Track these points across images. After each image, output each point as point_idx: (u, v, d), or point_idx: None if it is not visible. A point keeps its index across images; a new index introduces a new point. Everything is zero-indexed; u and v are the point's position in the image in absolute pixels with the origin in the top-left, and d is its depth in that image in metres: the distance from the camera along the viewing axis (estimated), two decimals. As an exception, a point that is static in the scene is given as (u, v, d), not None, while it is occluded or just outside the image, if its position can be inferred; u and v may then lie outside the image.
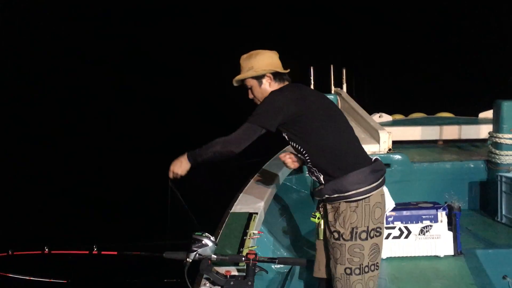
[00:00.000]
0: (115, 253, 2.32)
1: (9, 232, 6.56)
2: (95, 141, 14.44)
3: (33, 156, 12.60)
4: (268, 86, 2.60)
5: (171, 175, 2.62)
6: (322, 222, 2.62)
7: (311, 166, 2.56)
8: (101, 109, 17.81)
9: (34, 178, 10.59)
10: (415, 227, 3.43)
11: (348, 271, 2.46)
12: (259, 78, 2.60)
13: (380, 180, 2.51)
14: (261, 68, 2.58)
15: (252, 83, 2.61)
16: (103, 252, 2.32)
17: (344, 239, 2.46)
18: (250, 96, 2.67)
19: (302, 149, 2.53)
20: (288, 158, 2.80)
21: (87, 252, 2.34)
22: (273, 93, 2.55)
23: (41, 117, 16.72)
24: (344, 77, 6.95)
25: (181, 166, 2.60)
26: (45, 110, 17.39)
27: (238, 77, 2.63)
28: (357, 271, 2.46)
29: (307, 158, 2.54)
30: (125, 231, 6.72)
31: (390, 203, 2.65)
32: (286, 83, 2.64)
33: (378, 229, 2.51)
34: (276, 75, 2.61)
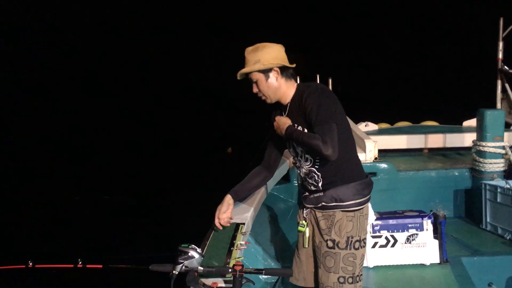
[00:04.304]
0: (100, 266, 2.28)
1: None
2: (82, 154, 14.32)
3: (18, 168, 12.44)
4: (275, 80, 2.49)
5: (275, 127, 2.50)
6: (307, 230, 2.62)
7: (315, 170, 2.50)
8: (84, 125, 17.69)
9: (18, 191, 10.44)
10: (401, 236, 3.45)
11: (341, 279, 2.47)
12: (266, 72, 2.48)
13: (370, 194, 2.58)
14: (269, 62, 2.46)
15: (258, 76, 2.49)
16: (88, 266, 2.27)
17: (339, 248, 2.47)
18: (255, 90, 2.54)
19: None
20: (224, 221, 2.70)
21: (72, 265, 2.29)
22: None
23: (26, 128, 16.54)
24: (330, 86, 7.00)
25: (284, 123, 2.47)
26: (30, 120, 17.22)
27: (244, 70, 2.49)
28: (350, 280, 2.47)
29: (317, 160, 2.48)
30: (110, 243, 6.65)
31: (372, 216, 2.70)
32: (293, 79, 2.55)
33: (365, 240, 2.57)
34: (284, 70, 2.50)
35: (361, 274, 2.53)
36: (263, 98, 2.57)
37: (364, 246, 2.55)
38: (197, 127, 15.64)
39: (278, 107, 2.66)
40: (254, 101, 2.62)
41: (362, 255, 2.54)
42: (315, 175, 2.51)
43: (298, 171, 2.65)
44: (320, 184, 2.51)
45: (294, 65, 2.55)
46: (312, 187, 2.56)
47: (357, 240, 2.49)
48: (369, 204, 2.62)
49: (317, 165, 2.49)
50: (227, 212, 2.72)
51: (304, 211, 2.64)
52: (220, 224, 2.69)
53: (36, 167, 12.50)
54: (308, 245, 2.64)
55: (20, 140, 15.35)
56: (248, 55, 2.50)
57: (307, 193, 2.62)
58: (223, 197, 2.77)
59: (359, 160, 2.63)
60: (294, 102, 2.53)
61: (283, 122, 2.52)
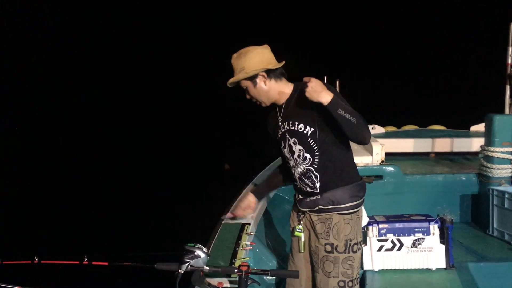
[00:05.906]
0: (106, 263, 2.29)
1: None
2: (87, 150, 14.39)
3: (24, 164, 12.50)
4: (264, 84, 2.45)
5: (314, 89, 2.26)
6: (303, 234, 2.59)
7: (313, 169, 2.45)
8: (93, 119, 17.74)
9: (24, 187, 10.49)
10: (407, 240, 3.43)
11: (341, 284, 2.46)
12: (252, 78, 2.43)
13: (364, 196, 2.57)
14: (252, 68, 2.41)
15: (247, 84, 2.46)
16: (93, 263, 2.28)
17: (338, 252, 2.45)
18: (248, 96, 2.52)
19: (316, 148, 2.41)
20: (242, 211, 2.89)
21: (78, 262, 2.30)
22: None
23: (32, 124, 16.64)
24: (337, 88, 6.99)
25: (325, 93, 2.24)
26: (33, 117, 17.33)
27: (231, 80, 2.47)
28: (350, 284, 2.47)
29: (316, 159, 2.43)
30: (116, 241, 6.68)
31: (365, 219, 2.69)
32: (283, 78, 2.50)
33: (361, 242, 2.57)
34: (270, 72, 2.45)
35: (359, 277, 2.55)
36: (258, 103, 2.54)
37: (361, 249, 2.56)
38: (192, 139, 15.41)
39: (273, 109, 2.61)
40: (254, 112, 2.61)
41: (359, 258, 2.54)
42: (313, 175, 2.46)
43: (292, 172, 2.57)
44: (318, 185, 2.46)
45: (281, 64, 2.49)
46: (308, 188, 2.51)
47: (355, 243, 2.49)
48: (362, 206, 2.62)
49: (315, 164, 2.44)
50: (248, 210, 2.90)
51: (299, 215, 2.61)
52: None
53: (42, 166, 12.56)
54: (304, 250, 2.62)
55: (26, 139, 15.44)
56: (233, 62, 2.47)
57: (301, 196, 2.57)
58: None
59: (354, 162, 2.61)
60: (291, 100, 2.48)
61: (324, 86, 2.28)
